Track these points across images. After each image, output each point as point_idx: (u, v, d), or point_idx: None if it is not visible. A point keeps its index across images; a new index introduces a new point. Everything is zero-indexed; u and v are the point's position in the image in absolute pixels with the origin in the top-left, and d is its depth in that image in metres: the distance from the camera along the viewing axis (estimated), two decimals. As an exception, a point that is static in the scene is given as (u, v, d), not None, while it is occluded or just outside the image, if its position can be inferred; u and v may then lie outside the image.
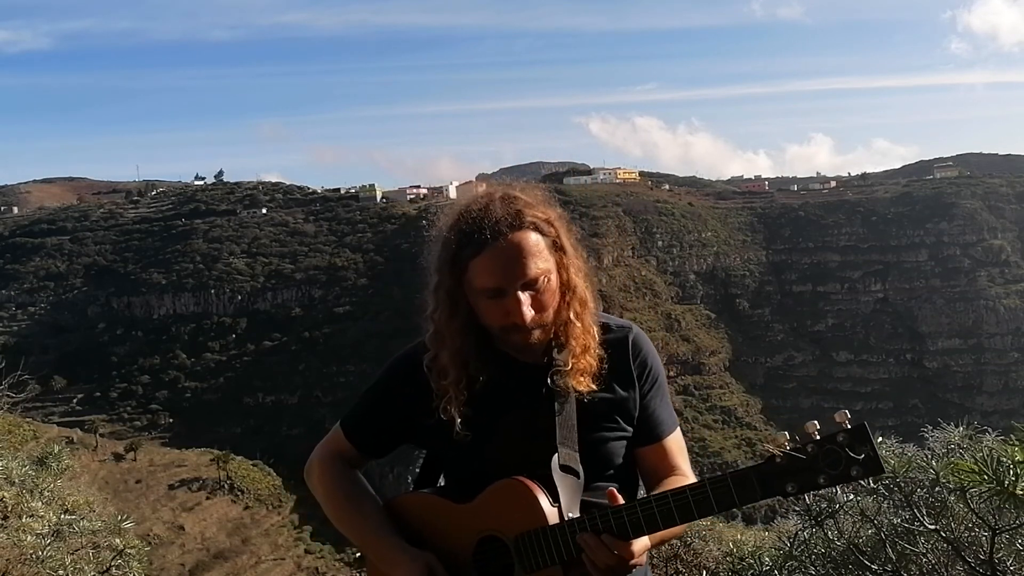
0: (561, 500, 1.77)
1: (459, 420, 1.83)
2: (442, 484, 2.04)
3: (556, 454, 1.79)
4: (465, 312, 1.84)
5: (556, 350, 1.87)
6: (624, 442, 1.91)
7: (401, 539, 1.89)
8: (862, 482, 2.50)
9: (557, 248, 1.83)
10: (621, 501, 1.71)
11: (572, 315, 1.85)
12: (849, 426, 1.52)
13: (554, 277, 1.82)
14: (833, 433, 1.54)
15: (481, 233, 1.77)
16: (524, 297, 1.77)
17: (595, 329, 1.89)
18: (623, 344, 1.92)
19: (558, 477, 1.78)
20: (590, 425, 1.85)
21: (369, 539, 1.94)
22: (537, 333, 1.82)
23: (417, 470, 2.09)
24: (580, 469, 1.81)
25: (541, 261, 1.79)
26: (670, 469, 1.93)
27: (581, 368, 1.84)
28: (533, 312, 1.78)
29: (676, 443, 1.97)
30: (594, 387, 1.84)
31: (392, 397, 1.98)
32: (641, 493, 1.99)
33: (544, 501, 1.75)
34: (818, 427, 1.55)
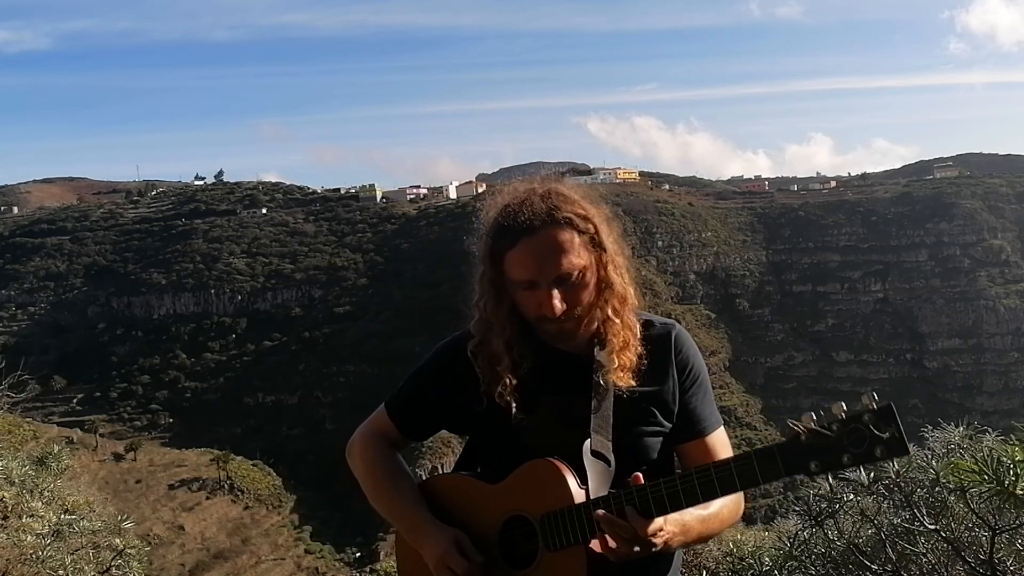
0: (589, 483, 1.78)
1: (515, 405, 1.87)
2: (479, 470, 2.07)
3: (588, 440, 1.82)
4: (509, 301, 1.89)
5: (598, 346, 1.90)
6: (660, 438, 1.92)
7: (432, 515, 1.94)
8: (860, 480, 2.50)
9: (595, 245, 1.86)
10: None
11: (611, 312, 1.89)
12: (875, 406, 1.52)
13: (590, 274, 1.85)
14: (859, 412, 1.52)
15: (516, 227, 1.82)
16: (556, 291, 1.81)
17: (636, 327, 1.92)
18: (666, 340, 1.95)
19: (588, 461, 1.80)
20: (627, 418, 1.87)
21: (402, 514, 1.98)
22: (571, 325, 1.87)
23: (416, 470, 2.10)
24: (612, 457, 1.83)
25: (575, 257, 1.82)
26: None
27: (621, 364, 1.87)
28: (564, 306, 1.82)
29: (720, 441, 1.97)
30: (633, 383, 1.87)
31: (438, 381, 2.01)
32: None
33: (572, 481, 1.77)
34: (844, 408, 1.54)
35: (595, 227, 1.86)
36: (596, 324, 1.91)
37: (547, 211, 1.82)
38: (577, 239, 1.83)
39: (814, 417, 1.56)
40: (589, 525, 1.72)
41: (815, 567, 2.71)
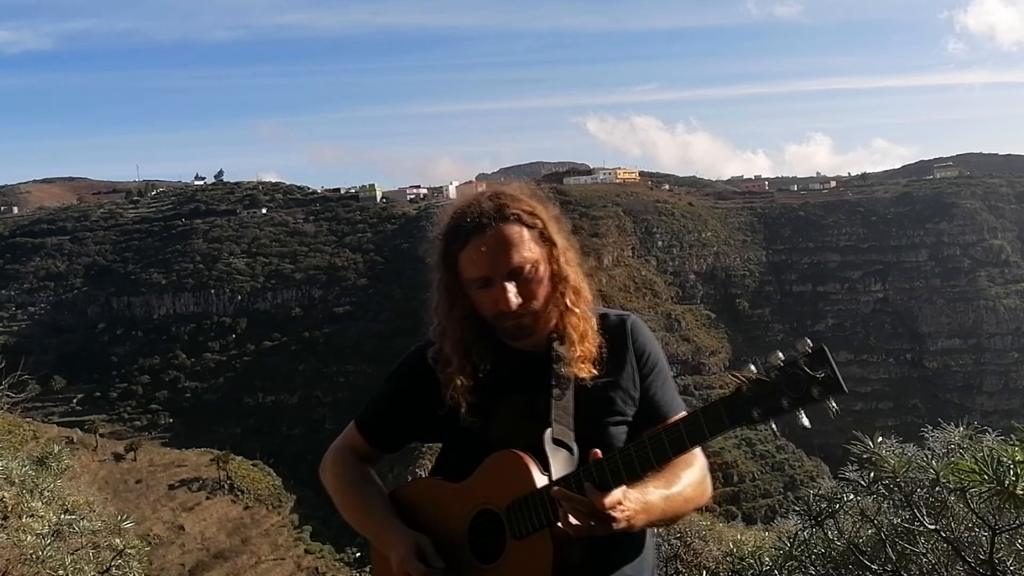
0: (552, 470, 1.80)
1: (464, 407, 1.90)
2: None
3: (549, 428, 1.84)
4: (463, 304, 1.92)
5: (557, 341, 1.93)
6: (625, 427, 1.94)
7: (399, 522, 1.96)
8: (860, 480, 2.50)
9: (545, 240, 1.90)
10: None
11: (567, 304, 1.92)
12: (810, 350, 1.55)
13: (543, 268, 1.89)
14: (794, 357, 1.56)
15: (466, 227, 1.86)
16: (510, 286, 1.85)
17: (593, 319, 1.95)
18: (621, 330, 1.98)
19: (550, 449, 1.82)
20: (590, 410, 1.90)
21: (370, 524, 2.01)
22: (527, 319, 1.89)
23: (416, 470, 2.11)
24: (574, 446, 1.85)
25: (525, 251, 1.86)
26: None
27: (582, 354, 1.90)
28: (520, 300, 1.85)
29: None
30: (595, 372, 1.89)
31: (403, 392, 2.05)
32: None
33: (534, 468, 1.80)
34: (781, 355, 1.58)
35: (543, 222, 1.90)
36: (554, 320, 1.93)
37: (494, 209, 1.87)
38: (527, 233, 1.87)
39: (753, 369, 1.61)
40: (552, 507, 1.73)
41: (815, 567, 2.72)
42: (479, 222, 1.85)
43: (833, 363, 1.54)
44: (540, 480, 1.78)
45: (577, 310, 1.92)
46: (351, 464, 2.10)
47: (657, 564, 2.07)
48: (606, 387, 1.91)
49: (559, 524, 1.72)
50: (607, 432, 1.91)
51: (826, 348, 1.55)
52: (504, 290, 1.84)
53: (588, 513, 1.68)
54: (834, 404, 1.52)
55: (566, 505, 1.69)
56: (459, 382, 1.90)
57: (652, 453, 1.68)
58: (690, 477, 1.86)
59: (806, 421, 1.55)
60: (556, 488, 1.71)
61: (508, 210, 1.87)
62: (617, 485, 1.69)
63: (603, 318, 1.98)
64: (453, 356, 1.92)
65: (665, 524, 2.20)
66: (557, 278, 1.91)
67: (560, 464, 1.82)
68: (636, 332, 1.98)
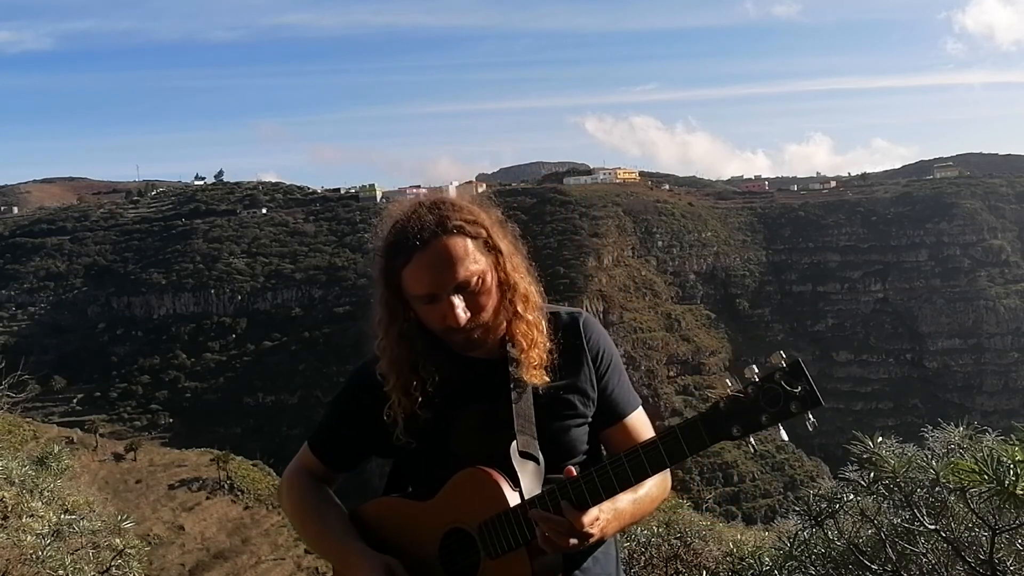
0: (522, 485, 1.78)
1: (401, 425, 1.86)
2: (410, 490, 2.04)
3: (514, 441, 1.81)
4: (403, 319, 1.86)
5: (510, 344, 1.89)
6: (585, 427, 1.92)
7: (363, 544, 1.89)
8: (860, 480, 2.50)
9: (490, 249, 1.84)
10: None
11: (516, 311, 1.87)
12: (785, 364, 1.56)
13: (489, 278, 1.83)
14: (771, 372, 1.57)
15: (408, 242, 1.78)
16: (457, 300, 1.79)
17: (543, 323, 1.90)
18: (574, 329, 1.94)
19: (517, 463, 1.80)
20: (549, 414, 1.87)
21: (331, 547, 1.94)
22: (478, 332, 1.84)
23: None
24: (539, 455, 1.82)
25: (471, 263, 1.80)
26: None
27: (532, 362, 1.85)
28: (468, 314, 1.80)
29: (640, 421, 1.98)
30: (547, 379, 1.86)
31: (353, 408, 2.00)
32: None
33: (505, 486, 1.77)
34: (756, 370, 1.59)
35: (487, 230, 1.84)
36: (503, 326, 1.88)
37: (436, 221, 1.79)
38: (471, 244, 1.81)
39: (730, 384, 1.61)
40: (528, 526, 1.72)
41: (815, 567, 2.71)
42: (421, 236, 1.78)
43: (809, 377, 1.55)
44: (512, 497, 1.76)
45: (528, 317, 1.87)
46: (307, 486, 2.03)
47: (620, 552, 2.06)
48: (564, 390, 1.88)
49: (536, 542, 1.71)
50: (569, 435, 1.89)
51: (801, 361, 1.56)
52: (452, 306, 1.78)
53: (567, 533, 1.68)
54: (811, 417, 1.54)
55: (544, 526, 1.68)
56: (396, 400, 1.86)
57: (631, 471, 1.67)
58: (654, 476, 1.83)
59: (784, 435, 1.64)
60: (534, 512, 1.70)
61: (450, 222, 1.80)
62: (595, 503, 1.69)
63: (555, 317, 1.94)
64: (390, 373, 1.87)
65: (633, 525, 2.20)
66: (504, 286, 1.86)
67: (529, 477, 1.80)
68: (589, 330, 1.95)
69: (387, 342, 1.88)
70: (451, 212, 1.82)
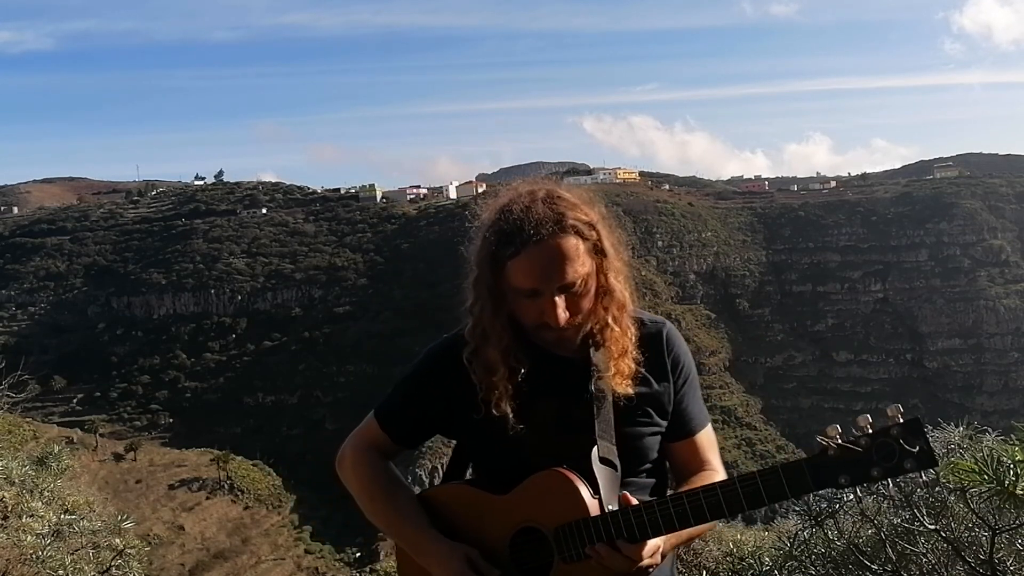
0: (601, 492, 1.78)
1: (511, 417, 1.83)
2: (470, 476, 2.05)
3: (596, 446, 1.81)
4: (507, 307, 1.85)
5: (593, 348, 1.88)
6: (658, 436, 1.93)
7: (437, 532, 1.89)
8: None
9: (598, 251, 1.83)
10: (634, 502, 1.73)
11: (610, 319, 1.86)
12: (902, 419, 1.53)
13: (592, 281, 1.83)
14: (887, 426, 1.54)
15: (521, 234, 1.76)
16: (559, 300, 1.78)
17: (633, 331, 1.90)
18: (658, 340, 1.94)
19: (598, 469, 1.79)
20: (626, 419, 1.87)
21: (405, 531, 1.94)
22: (570, 331, 1.85)
23: (416, 470, 2.08)
24: (618, 462, 1.83)
25: (580, 265, 1.79)
26: (701, 464, 1.95)
27: (620, 371, 1.85)
28: (568, 315, 1.80)
29: (708, 438, 1.98)
30: (631, 390, 1.86)
31: (430, 387, 1.97)
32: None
33: (585, 492, 1.76)
34: (870, 420, 1.56)
35: (598, 233, 1.83)
36: (591, 326, 1.88)
37: (553, 218, 1.77)
38: (582, 246, 1.79)
39: (839, 430, 1.58)
40: (608, 538, 1.72)
41: (815, 567, 2.71)
42: (537, 231, 1.75)
43: (927, 436, 1.53)
44: (591, 504, 1.75)
45: (618, 327, 1.87)
46: (375, 464, 2.00)
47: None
48: (642, 399, 1.88)
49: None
50: (644, 442, 1.90)
51: (921, 420, 1.54)
52: (554, 305, 1.77)
53: (625, 568, 1.70)
54: (923, 477, 1.53)
55: (605, 560, 1.70)
56: (504, 388, 1.83)
57: (725, 504, 1.65)
58: None
59: (892, 489, 1.62)
60: (593, 547, 1.71)
61: (566, 220, 1.78)
62: (683, 526, 1.69)
63: (639, 324, 1.93)
64: (499, 364, 1.84)
65: (688, 543, 2.21)
66: (603, 290, 1.85)
67: (607, 484, 1.79)
68: (672, 342, 1.96)
69: (492, 330, 1.85)
70: (567, 209, 1.80)
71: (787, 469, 1.60)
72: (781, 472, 1.60)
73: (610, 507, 1.76)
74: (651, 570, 1.74)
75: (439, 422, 2.00)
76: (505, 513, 1.85)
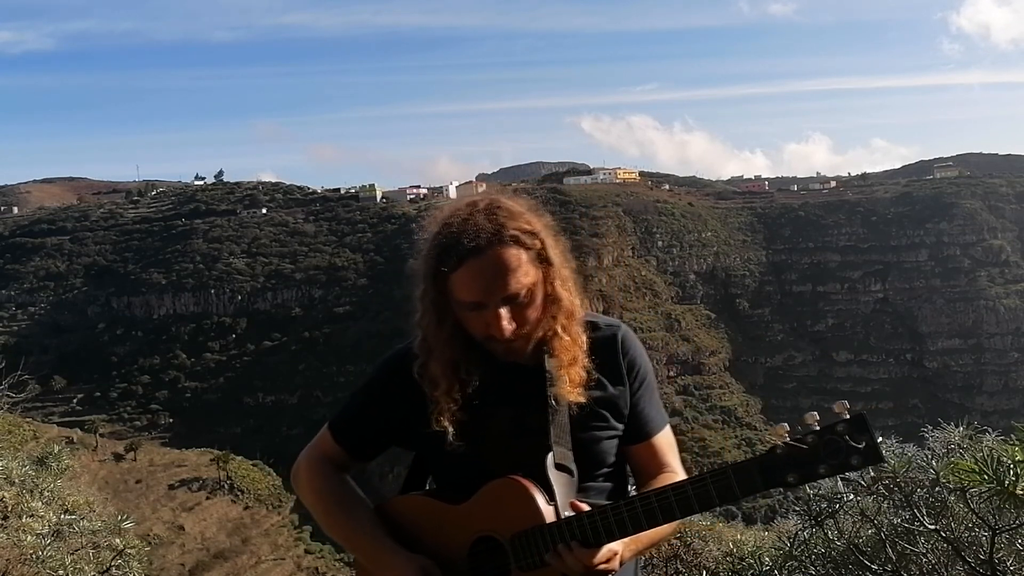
0: (557, 498, 1.77)
1: (452, 431, 1.82)
2: (431, 486, 2.03)
3: (551, 453, 1.79)
4: (452, 321, 1.82)
5: (548, 354, 1.86)
6: (615, 440, 1.91)
7: (394, 542, 1.88)
8: (860, 480, 2.51)
9: (542, 260, 1.80)
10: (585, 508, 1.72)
11: (559, 328, 1.84)
12: (848, 416, 1.54)
13: (538, 291, 1.80)
14: (833, 423, 1.54)
15: (459, 247, 1.73)
16: (504, 312, 1.75)
17: (583, 337, 1.88)
18: (612, 342, 1.92)
19: (553, 475, 1.78)
20: (582, 424, 1.85)
21: (361, 543, 1.92)
22: (518, 342, 1.82)
23: (403, 470, 2.08)
24: (574, 468, 1.81)
25: (523, 276, 1.76)
26: (660, 466, 1.94)
27: (571, 379, 1.83)
28: (514, 326, 1.77)
29: (666, 440, 1.97)
30: (583, 397, 1.84)
31: (383, 399, 1.95)
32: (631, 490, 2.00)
33: (541, 500, 1.75)
34: (818, 418, 1.56)
35: (542, 242, 1.80)
36: (542, 334, 1.85)
37: (493, 229, 1.74)
38: (524, 256, 1.76)
39: (787, 428, 1.59)
40: (562, 542, 1.71)
41: (815, 567, 2.71)
42: (476, 242, 1.72)
43: (873, 432, 1.52)
44: (547, 512, 1.74)
45: (568, 335, 1.84)
46: (329, 476, 1.98)
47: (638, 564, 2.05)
48: (598, 403, 1.87)
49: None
50: (600, 447, 1.88)
51: (866, 416, 1.53)
52: (499, 317, 1.74)
53: (583, 572, 1.69)
54: (871, 472, 1.56)
55: (563, 565, 1.69)
56: (445, 405, 1.82)
57: (678, 507, 1.65)
58: None
59: (860, 478, 1.63)
60: (549, 555, 1.70)
61: (507, 231, 1.75)
62: (636, 530, 1.68)
63: (593, 328, 1.91)
64: (442, 378, 1.83)
65: (649, 549, 2.18)
66: (550, 300, 1.82)
67: (563, 490, 1.78)
68: (627, 345, 1.93)
69: (436, 343, 1.84)
70: (508, 220, 1.77)
71: (737, 470, 1.60)
72: (731, 473, 1.60)
73: (567, 513, 1.75)
74: (609, 575, 1.72)
75: (394, 434, 1.98)
76: (463, 523, 1.84)
